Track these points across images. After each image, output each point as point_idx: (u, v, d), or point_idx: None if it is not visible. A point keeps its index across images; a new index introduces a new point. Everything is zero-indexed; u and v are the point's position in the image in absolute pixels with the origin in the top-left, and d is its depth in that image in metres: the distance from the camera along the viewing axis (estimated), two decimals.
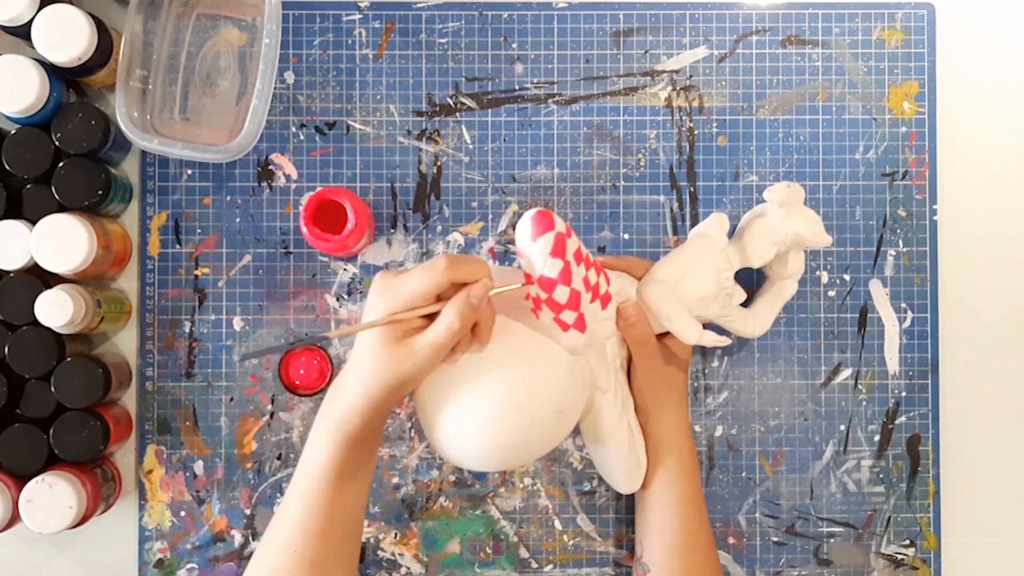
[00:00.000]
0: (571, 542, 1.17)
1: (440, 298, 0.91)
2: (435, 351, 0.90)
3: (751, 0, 1.18)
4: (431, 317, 0.91)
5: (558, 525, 1.17)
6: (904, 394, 1.17)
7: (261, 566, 0.95)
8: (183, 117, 1.14)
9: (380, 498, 1.16)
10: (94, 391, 1.07)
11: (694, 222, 1.17)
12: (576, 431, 1.07)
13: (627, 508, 1.17)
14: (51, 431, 1.07)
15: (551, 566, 1.17)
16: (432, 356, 0.90)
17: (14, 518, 1.07)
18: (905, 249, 1.18)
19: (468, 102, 1.17)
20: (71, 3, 1.07)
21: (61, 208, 1.07)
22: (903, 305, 1.18)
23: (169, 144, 1.10)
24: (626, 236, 1.17)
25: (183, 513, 1.16)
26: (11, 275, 1.07)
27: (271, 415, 1.16)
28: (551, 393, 0.95)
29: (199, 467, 1.16)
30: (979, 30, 1.20)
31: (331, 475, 0.93)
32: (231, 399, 1.16)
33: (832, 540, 1.17)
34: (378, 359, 0.90)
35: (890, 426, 1.17)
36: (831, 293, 1.17)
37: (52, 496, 1.05)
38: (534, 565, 1.17)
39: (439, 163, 1.17)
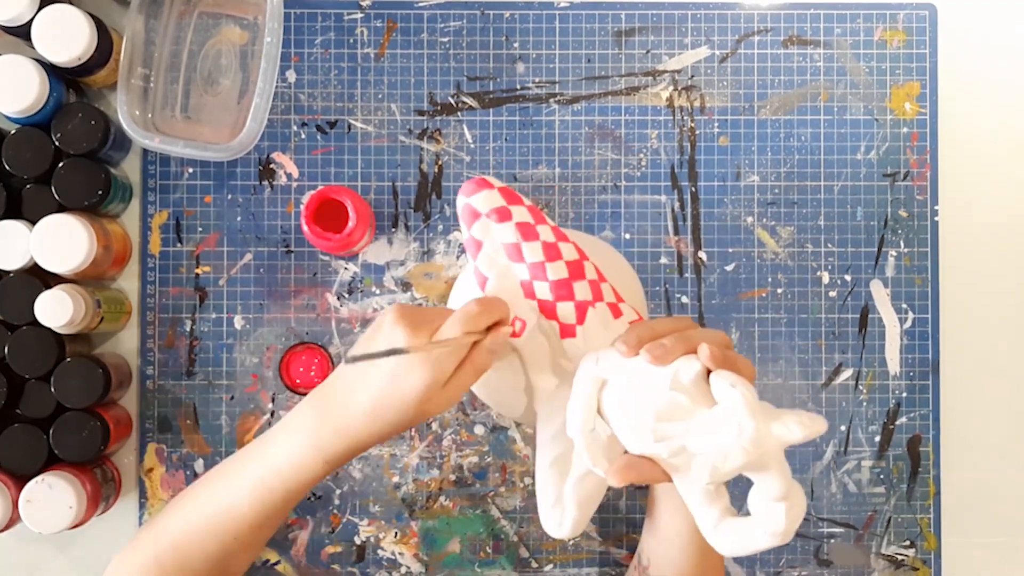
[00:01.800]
0: (571, 542, 1.17)
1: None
2: (452, 403, 0.88)
3: (752, 0, 1.18)
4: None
5: None
6: (905, 395, 1.17)
7: (185, 534, 0.93)
8: (184, 116, 1.14)
9: (380, 497, 1.16)
10: (94, 391, 1.07)
11: (695, 222, 1.17)
12: None
13: (627, 508, 1.17)
14: (51, 431, 1.07)
15: (551, 566, 1.17)
16: (449, 407, 0.89)
17: (14, 518, 1.07)
18: (906, 250, 1.17)
19: (469, 101, 1.17)
20: (71, 3, 1.07)
21: (61, 208, 1.07)
22: (904, 306, 1.18)
23: (170, 142, 1.10)
24: (627, 236, 1.17)
25: None
26: (11, 275, 1.07)
27: (272, 413, 1.16)
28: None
29: (200, 465, 1.16)
30: (981, 30, 1.19)
31: (302, 491, 0.91)
32: (232, 397, 1.16)
33: (832, 541, 1.17)
34: (423, 400, 0.86)
35: (891, 427, 1.17)
36: (832, 293, 1.17)
37: (52, 496, 1.05)
38: (534, 565, 1.17)
39: (440, 162, 1.17)
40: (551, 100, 1.17)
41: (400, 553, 1.17)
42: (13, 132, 1.07)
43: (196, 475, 1.15)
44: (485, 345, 0.89)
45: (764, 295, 1.17)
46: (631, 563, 1.09)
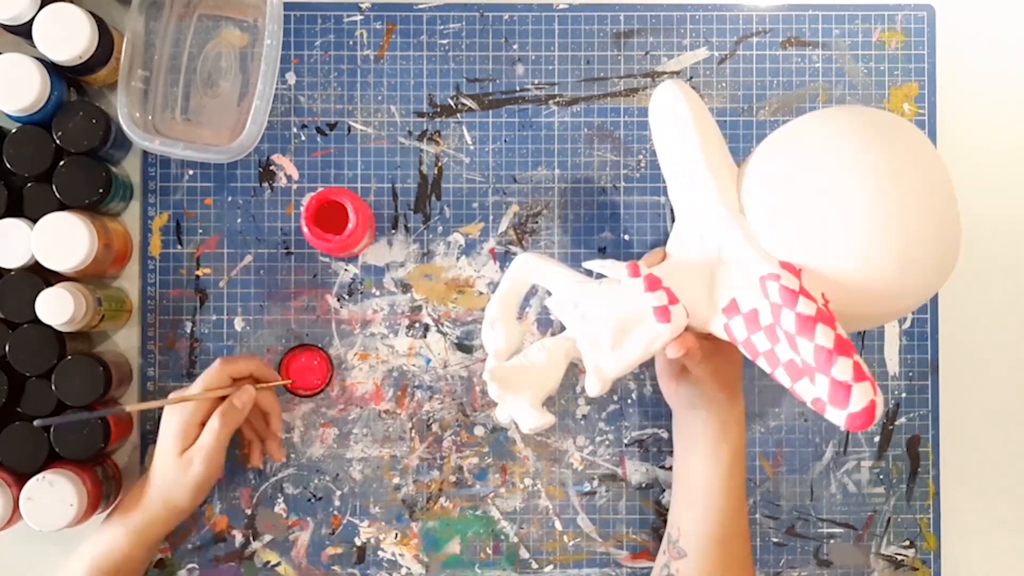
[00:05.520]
0: (571, 543, 1.17)
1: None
2: (208, 456, 1.06)
3: (751, 2, 1.19)
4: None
5: (558, 526, 1.17)
6: (904, 395, 1.17)
7: None
8: (184, 118, 1.15)
9: (380, 498, 1.16)
10: (94, 389, 1.07)
11: None
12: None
13: (627, 509, 1.17)
14: (52, 429, 1.08)
15: (551, 567, 1.17)
16: (208, 462, 1.06)
17: (15, 516, 1.07)
18: None
19: (469, 103, 1.18)
20: (72, 2, 1.07)
21: (62, 206, 1.08)
22: None
23: (170, 144, 1.11)
24: (626, 237, 1.17)
25: None
26: (12, 273, 1.07)
27: None
28: None
29: None
30: (979, 31, 1.20)
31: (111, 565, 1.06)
32: None
33: (832, 541, 1.17)
34: (170, 470, 1.06)
35: (890, 427, 1.17)
36: None
37: (53, 494, 1.05)
38: (534, 566, 1.17)
39: (440, 164, 1.17)
40: (550, 101, 1.18)
41: (400, 554, 1.16)
42: (14, 130, 1.07)
43: None
44: (227, 402, 1.07)
45: None
46: (662, 545, 1.09)
